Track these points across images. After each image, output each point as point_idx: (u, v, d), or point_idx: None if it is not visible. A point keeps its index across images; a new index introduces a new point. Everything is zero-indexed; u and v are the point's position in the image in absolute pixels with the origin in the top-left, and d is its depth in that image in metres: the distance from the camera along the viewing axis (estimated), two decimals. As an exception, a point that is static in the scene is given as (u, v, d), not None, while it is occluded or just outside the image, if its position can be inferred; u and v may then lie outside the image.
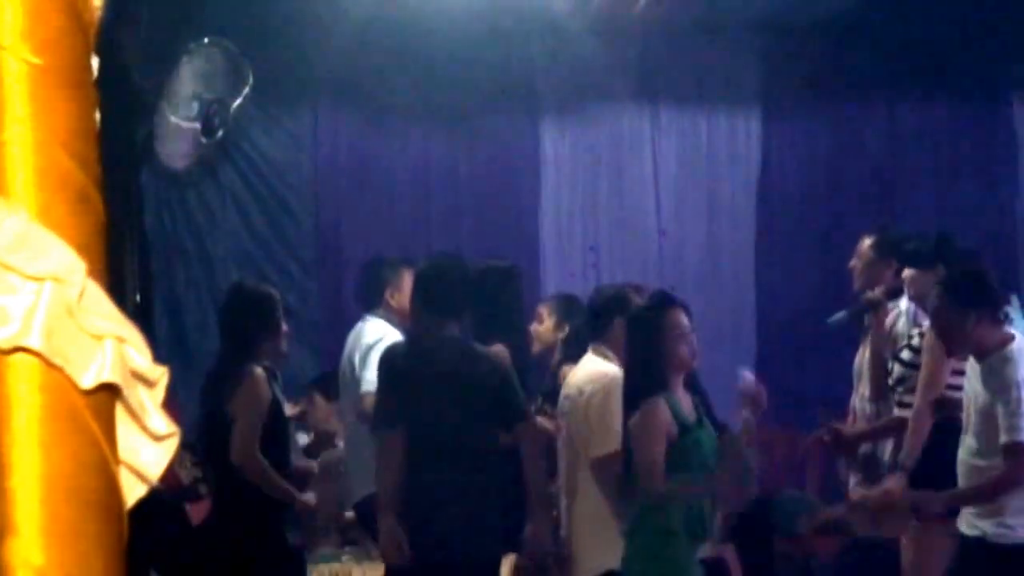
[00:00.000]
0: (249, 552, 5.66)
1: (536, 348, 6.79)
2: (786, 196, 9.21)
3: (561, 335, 6.76)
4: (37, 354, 1.35)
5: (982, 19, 8.63)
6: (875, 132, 9.31)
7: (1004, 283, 6.41)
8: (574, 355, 6.35)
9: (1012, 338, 5.27)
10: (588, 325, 6.25)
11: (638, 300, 6.10)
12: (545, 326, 6.81)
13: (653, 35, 8.82)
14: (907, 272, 6.25)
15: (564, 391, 6.05)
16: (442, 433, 5.56)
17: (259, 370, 5.66)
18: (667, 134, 9.24)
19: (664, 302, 5.42)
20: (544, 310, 6.92)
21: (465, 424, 5.59)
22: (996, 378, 5.18)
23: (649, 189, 9.20)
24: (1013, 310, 5.89)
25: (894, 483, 5.93)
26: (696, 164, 9.26)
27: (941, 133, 9.36)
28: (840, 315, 6.26)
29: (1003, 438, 5.10)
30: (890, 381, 6.18)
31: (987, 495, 5.21)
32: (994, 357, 5.22)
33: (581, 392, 5.87)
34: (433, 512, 5.54)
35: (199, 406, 5.83)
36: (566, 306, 6.92)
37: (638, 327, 5.39)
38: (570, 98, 9.05)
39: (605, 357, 5.96)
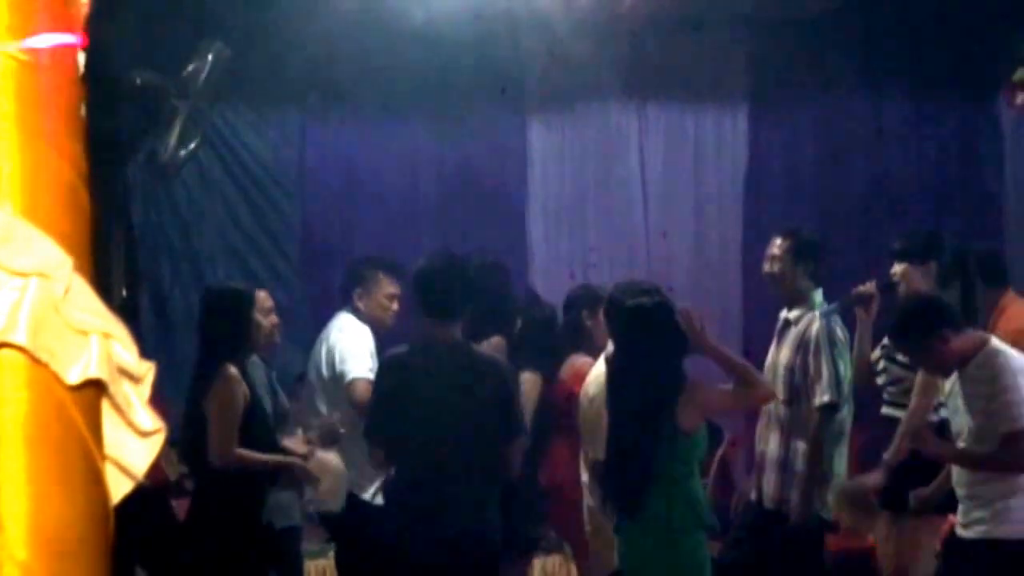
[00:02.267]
0: (235, 548, 5.65)
1: None
2: (773, 192, 9.20)
3: None
4: (23, 350, 1.35)
5: (967, 15, 8.63)
6: (861, 128, 9.32)
7: (995, 279, 6.43)
8: None
9: (987, 340, 5.23)
10: (565, 327, 6.48)
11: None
12: None
13: (640, 32, 8.80)
14: (898, 267, 6.25)
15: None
16: (445, 446, 5.42)
17: (232, 369, 5.63)
18: (654, 131, 9.24)
19: None
20: None
21: (469, 437, 5.43)
22: (985, 374, 5.14)
23: (636, 185, 9.19)
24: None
25: (873, 479, 5.96)
26: (683, 160, 9.26)
27: (927, 128, 9.37)
28: (830, 307, 6.24)
29: (1002, 428, 5.05)
30: (880, 381, 6.20)
31: (985, 465, 5.17)
32: (973, 362, 5.18)
33: (588, 396, 6.01)
34: (431, 524, 5.40)
35: (184, 404, 5.81)
36: None
37: None
38: (558, 95, 9.03)
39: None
